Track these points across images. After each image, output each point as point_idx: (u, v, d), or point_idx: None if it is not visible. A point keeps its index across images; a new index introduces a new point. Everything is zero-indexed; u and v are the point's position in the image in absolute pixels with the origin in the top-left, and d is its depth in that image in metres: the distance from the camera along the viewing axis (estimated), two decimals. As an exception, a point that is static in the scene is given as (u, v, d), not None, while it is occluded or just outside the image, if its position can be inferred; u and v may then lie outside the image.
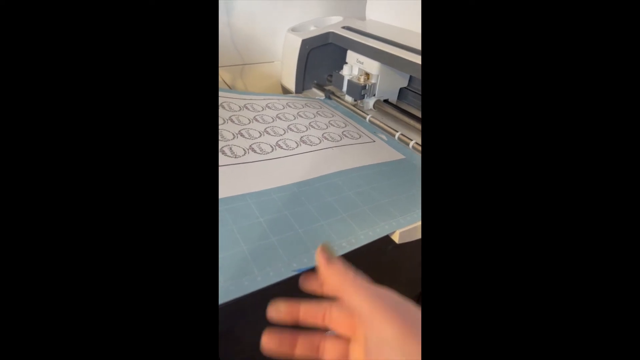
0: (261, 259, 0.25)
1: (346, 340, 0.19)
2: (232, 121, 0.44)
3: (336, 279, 0.18)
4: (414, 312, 0.16)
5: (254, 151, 0.39)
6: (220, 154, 0.36)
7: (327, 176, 0.36)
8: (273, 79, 0.69)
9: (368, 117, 0.51)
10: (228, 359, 0.33)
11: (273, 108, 0.50)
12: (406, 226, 0.31)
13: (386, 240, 0.32)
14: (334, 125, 0.48)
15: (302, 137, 0.43)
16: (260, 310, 0.33)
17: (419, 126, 0.48)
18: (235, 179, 0.33)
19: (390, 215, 0.32)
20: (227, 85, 0.64)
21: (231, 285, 0.23)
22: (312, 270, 0.24)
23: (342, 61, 0.58)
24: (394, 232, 0.31)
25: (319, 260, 0.19)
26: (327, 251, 0.20)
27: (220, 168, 0.34)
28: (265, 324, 0.36)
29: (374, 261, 0.34)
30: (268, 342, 0.18)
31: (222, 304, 0.25)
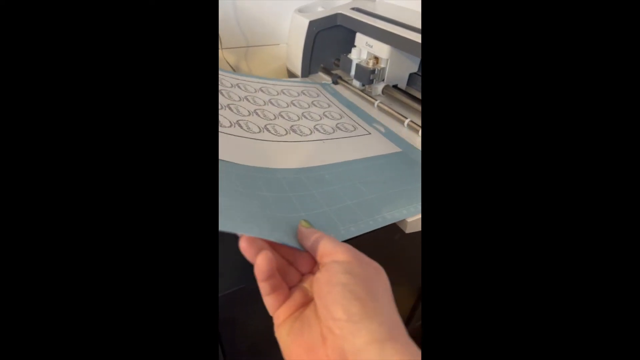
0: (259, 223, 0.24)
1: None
2: (222, 94, 0.43)
3: (309, 236, 0.23)
4: (364, 257, 0.21)
5: (240, 127, 0.37)
6: None
7: (313, 168, 0.34)
8: (279, 62, 0.67)
9: (376, 103, 0.50)
10: (231, 344, 0.33)
11: (266, 92, 0.49)
12: (392, 222, 0.29)
13: (393, 229, 0.31)
14: (328, 117, 0.46)
15: (292, 125, 0.42)
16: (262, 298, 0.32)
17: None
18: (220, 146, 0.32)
19: (377, 210, 0.30)
20: (231, 67, 0.62)
21: (236, 222, 0.22)
22: None
23: (351, 44, 0.56)
24: (390, 224, 0.29)
25: (299, 227, 0.24)
26: (305, 224, 0.24)
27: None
28: (266, 312, 0.35)
29: (378, 251, 0.33)
30: (261, 263, 0.20)
31: (225, 293, 0.24)
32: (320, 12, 0.58)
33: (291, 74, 0.64)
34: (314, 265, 0.23)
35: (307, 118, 0.45)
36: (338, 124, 0.45)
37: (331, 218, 0.28)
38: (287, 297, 0.21)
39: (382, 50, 0.50)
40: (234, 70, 0.63)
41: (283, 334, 0.20)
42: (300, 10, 0.59)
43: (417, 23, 0.47)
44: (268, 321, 0.35)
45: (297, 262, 0.23)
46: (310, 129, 0.42)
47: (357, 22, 0.52)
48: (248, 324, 0.33)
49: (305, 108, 0.48)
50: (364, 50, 0.53)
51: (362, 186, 0.33)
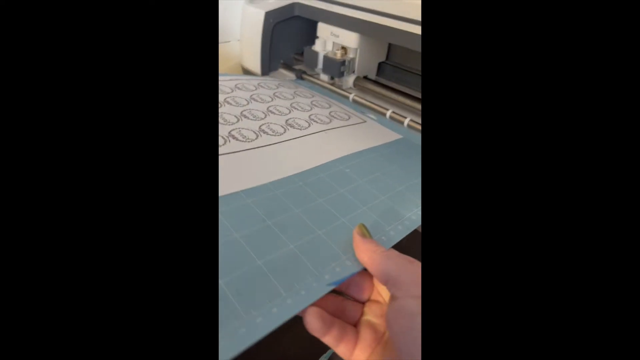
0: (284, 275, 0.19)
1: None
2: None
3: (369, 251, 0.19)
4: None
5: (235, 138, 0.32)
6: None
7: (329, 164, 0.30)
8: (231, 61, 0.60)
9: (351, 96, 0.46)
10: None
11: (244, 89, 0.43)
12: None
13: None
14: (317, 106, 0.42)
15: (287, 120, 0.37)
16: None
17: (409, 102, 0.44)
18: (221, 173, 0.26)
19: (414, 202, 0.27)
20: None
21: (258, 316, 0.17)
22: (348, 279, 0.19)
23: (310, 37, 0.52)
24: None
25: (355, 236, 0.21)
26: (362, 230, 0.21)
27: None
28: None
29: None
30: (311, 321, 0.18)
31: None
32: (274, 2, 0.53)
33: (248, 73, 0.58)
34: (372, 289, 0.21)
35: (298, 109, 0.40)
36: (331, 112, 0.41)
37: (374, 219, 0.25)
38: (357, 339, 0.19)
39: (351, 39, 0.46)
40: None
41: None
42: (251, 2, 0.53)
43: (382, 7, 0.44)
44: None
45: (352, 289, 0.21)
46: (306, 121, 0.38)
47: (319, 11, 0.48)
48: None
49: (291, 99, 0.43)
50: (329, 40, 0.49)
51: (386, 178, 0.30)
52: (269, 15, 0.49)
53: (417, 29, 0.38)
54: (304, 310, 0.18)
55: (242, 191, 0.25)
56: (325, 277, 0.19)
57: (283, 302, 0.17)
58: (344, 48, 0.48)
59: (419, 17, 0.40)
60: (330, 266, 0.20)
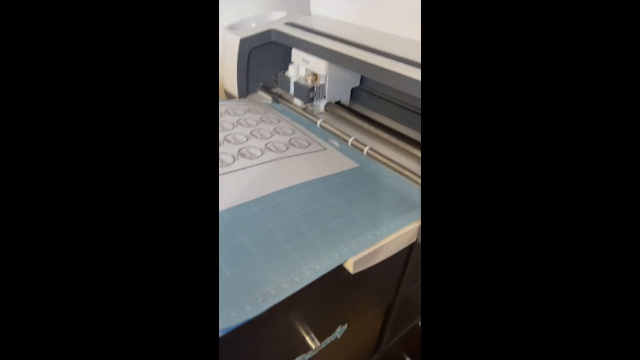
0: None
1: None
2: None
3: None
4: None
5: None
6: None
7: (268, 197, 0.31)
8: (215, 82, 0.62)
9: (319, 122, 0.47)
10: None
11: None
12: (360, 252, 0.26)
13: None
14: (279, 133, 0.43)
15: (240, 149, 0.38)
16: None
17: (372, 129, 0.44)
18: None
19: (342, 239, 0.27)
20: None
21: None
22: (243, 326, 0.19)
23: (289, 60, 0.53)
24: (346, 261, 0.26)
25: None
26: None
27: None
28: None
29: (328, 284, 0.29)
30: None
31: None
32: (253, 28, 0.54)
33: (229, 95, 0.59)
34: None
35: (256, 137, 0.41)
36: (291, 139, 0.42)
37: (292, 256, 0.25)
38: None
39: (320, 66, 0.47)
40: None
41: None
42: (231, 27, 0.55)
43: (355, 37, 0.45)
44: None
45: None
46: (261, 150, 0.38)
47: (291, 38, 0.49)
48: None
49: (253, 126, 0.43)
50: (302, 66, 0.50)
51: (324, 211, 0.30)
52: (244, 42, 0.51)
53: (386, 62, 0.38)
54: None
55: None
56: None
57: None
58: (314, 74, 0.49)
59: (388, 50, 0.40)
60: (226, 312, 0.20)
